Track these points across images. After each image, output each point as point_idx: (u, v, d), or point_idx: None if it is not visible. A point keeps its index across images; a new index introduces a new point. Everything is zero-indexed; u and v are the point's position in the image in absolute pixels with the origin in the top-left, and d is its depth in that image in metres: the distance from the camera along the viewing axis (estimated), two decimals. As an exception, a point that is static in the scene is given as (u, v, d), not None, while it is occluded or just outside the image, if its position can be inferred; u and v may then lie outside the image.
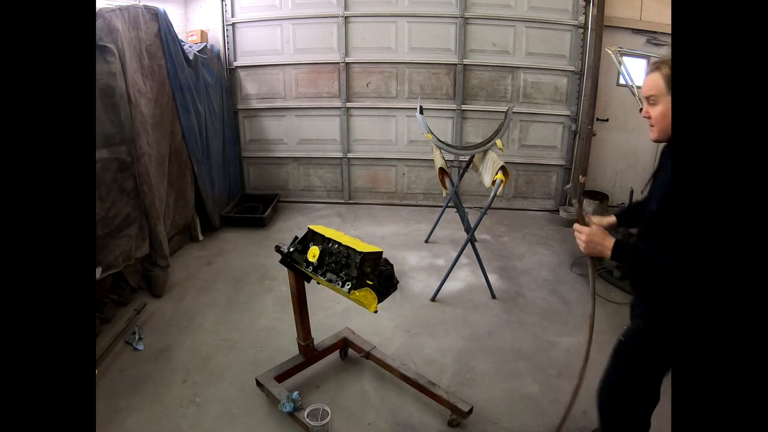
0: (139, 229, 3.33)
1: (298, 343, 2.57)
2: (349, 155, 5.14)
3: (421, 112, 3.91)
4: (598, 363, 2.82)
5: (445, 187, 3.54)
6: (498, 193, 3.24)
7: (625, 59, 3.97)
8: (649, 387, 1.78)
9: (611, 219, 1.92)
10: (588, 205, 4.63)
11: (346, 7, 4.68)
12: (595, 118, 4.74)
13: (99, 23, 2.92)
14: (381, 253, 2.09)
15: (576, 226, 1.70)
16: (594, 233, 1.64)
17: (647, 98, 1.61)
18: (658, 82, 1.58)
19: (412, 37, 4.70)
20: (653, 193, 1.66)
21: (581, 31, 4.53)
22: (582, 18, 4.48)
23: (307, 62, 4.89)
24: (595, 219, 1.85)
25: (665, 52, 4.36)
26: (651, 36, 4.51)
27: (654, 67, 1.60)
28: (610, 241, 1.61)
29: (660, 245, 1.53)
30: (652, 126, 1.62)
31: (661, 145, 1.76)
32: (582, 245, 1.68)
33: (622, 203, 4.83)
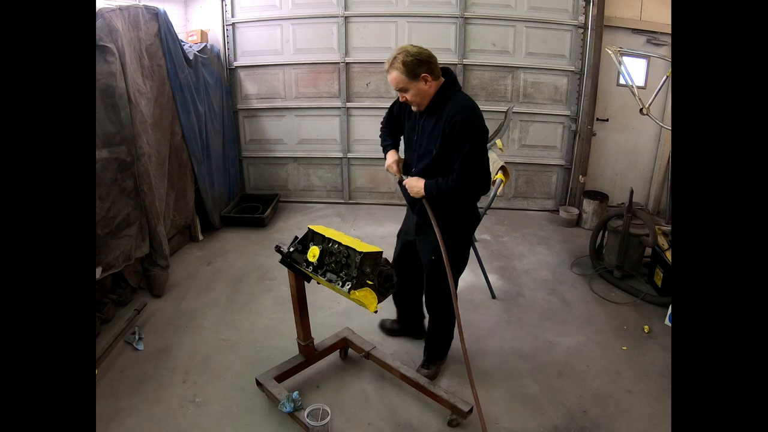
0: (139, 229, 3.33)
1: (298, 343, 2.57)
2: (349, 155, 5.14)
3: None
4: (598, 363, 2.83)
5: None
6: (498, 193, 3.25)
7: (625, 59, 3.96)
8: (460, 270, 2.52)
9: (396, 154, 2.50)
10: (588, 204, 4.64)
11: (346, 7, 4.68)
12: (595, 118, 4.74)
13: (99, 23, 2.92)
14: (381, 253, 2.09)
15: (405, 182, 2.35)
16: (412, 181, 2.30)
17: (399, 89, 2.18)
18: (400, 77, 2.13)
19: (412, 37, 4.68)
20: (428, 141, 2.24)
21: (581, 31, 4.53)
22: (582, 18, 4.48)
23: (307, 62, 4.89)
24: (395, 165, 2.45)
25: (665, 52, 4.36)
26: (651, 36, 4.51)
27: (391, 68, 2.14)
28: (422, 183, 2.26)
29: (444, 174, 2.20)
30: (412, 104, 2.22)
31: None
32: (409, 187, 2.32)
33: (622, 203, 4.83)
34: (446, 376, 2.69)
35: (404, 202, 2.55)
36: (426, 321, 2.87)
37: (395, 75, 2.13)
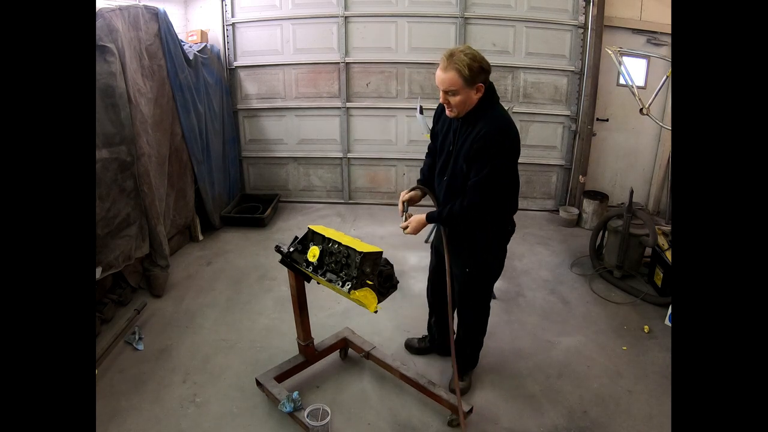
0: (139, 229, 3.33)
1: (298, 343, 2.57)
2: (349, 155, 5.14)
3: (422, 112, 3.91)
4: (598, 363, 2.83)
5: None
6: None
7: (625, 59, 3.96)
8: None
9: (416, 193, 2.40)
10: (588, 204, 4.64)
11: (346, 7, 4.67)
12: (595, 118, 4.74)
13: (99, 23, 2.92)
14: (381, 253, 2.09)
15: (402, 226, 2.31)
16: (413, 222, 2.26)
17: (447, 91, 2.00)
18: (457, 80, 1.95)
19: (412, 37, 4.69)
20: (458, 155, 2.12)
21: (581, 31, 4.53)
22: (582, 18, 4.48)
23: (307, 62, 4.89)
24: (406, 195, 2.37)
25: (665, 52, 4.36)
26: (651, 36, 4.50)
27: (449, 65, 1.94)
28: (422, 217, 2.24)
29: (459, 192, 2.14)
30: (451, 109, 2.06)
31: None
32: (411, 231, 2.27)
33: (622, 203, 4.82)
34: (447, 376, 2.68)
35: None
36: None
37: (452, 76, 1.94)
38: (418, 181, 2.48)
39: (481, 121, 2.04)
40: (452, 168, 2.17)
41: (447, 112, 2.10)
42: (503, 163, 2.07)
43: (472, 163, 2.06)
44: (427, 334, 2.87)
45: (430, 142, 2.44)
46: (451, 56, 1.94)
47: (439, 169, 2.28)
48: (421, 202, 2.42)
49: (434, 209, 2.26)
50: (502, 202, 2.17)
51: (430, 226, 3.53)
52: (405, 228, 2.29)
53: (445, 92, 2.00)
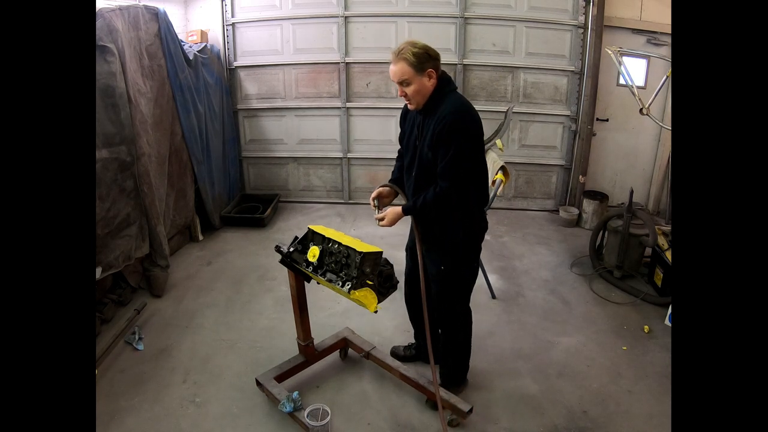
0: (139, 229, 3.33)
1: (298, 343, 2.57)
2: (349, 155, 5.14)
3: (421, 112, 3.91)
4: (598, 363, 2.83)
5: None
6: (498, 193, 3.24)
7: (625, 59, 3.96)
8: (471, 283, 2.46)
9: (384, 189, 2.41)
10: (588, 204, 4.64)
11: (346, 7, 4.68)
12: (595, 118, 4.74)
13: (99, 23, 2.92)
14: (381, 253, 2.09)
15: (378, 218, 2.30)
16: (390, 213, 2.26)
17: (401, 82, 2.07)
18: (407, 69, 2.03)
19: (413, 37, 4.66)
20: (423, 145, 2.14)
21: (581, 31, 4.53)
22: (582, 18, 4.48)
23: (307, 62, 4.89)
24: (375, 192, 2.39)
25: (665, 52, 4.36)
26: (651, 36, 4.50)
27: (398, 58, 2.04)
28: (398, 209, 2.24)
29: (429, 184, 2.14)
30: (409, 101, 2.13)
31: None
32: (387, 223, 2.27)
33: (622, 203, 4.83)
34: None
35: (404, 202, 2.46)
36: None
37: (401, 66, 2.03)
38: (391, 180, 2.47)
39: (441, 107, 2.07)
40: (419, 161, 2.19)
41: (408, 105, 2.18)
42: (467, 146, 2.07)
43: (437, 150, 2.07)
44: (414, 341, 2.81)
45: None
46: (398, 51, 2.05)
47: (407, 166, 2.30)
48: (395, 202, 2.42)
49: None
50: (469, 188, 2.16)
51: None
52: (381, 219, 2.28)
53: (400, 84, 2.08)
